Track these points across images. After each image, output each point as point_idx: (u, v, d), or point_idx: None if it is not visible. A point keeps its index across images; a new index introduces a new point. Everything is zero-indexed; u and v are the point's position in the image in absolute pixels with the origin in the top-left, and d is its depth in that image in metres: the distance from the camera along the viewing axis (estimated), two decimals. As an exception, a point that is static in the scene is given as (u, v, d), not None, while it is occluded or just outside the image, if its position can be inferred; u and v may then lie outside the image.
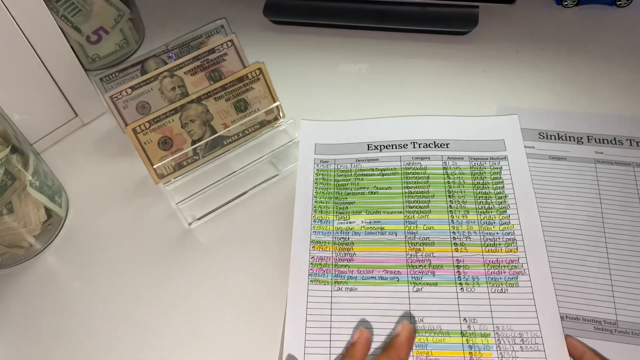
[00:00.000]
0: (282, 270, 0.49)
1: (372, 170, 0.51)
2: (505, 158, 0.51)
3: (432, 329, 0.43)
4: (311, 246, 0.48)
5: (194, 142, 0.54)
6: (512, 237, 0.47)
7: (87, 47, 0.65)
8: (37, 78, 0.55)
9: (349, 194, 0.50)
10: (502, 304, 0.44)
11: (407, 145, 0.52)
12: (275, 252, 0.50)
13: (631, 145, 0.53)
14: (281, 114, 0.56)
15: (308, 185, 0.51)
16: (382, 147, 0.52)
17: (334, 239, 0.48)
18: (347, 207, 0.50)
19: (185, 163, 0.54)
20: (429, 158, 0.51)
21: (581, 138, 0.54)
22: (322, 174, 0.52)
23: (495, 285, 0.45)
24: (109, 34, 0.65)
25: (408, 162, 0.51)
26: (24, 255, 0.53)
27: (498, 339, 0.42)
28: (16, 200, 0.50)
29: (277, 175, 0.55)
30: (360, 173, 0.51)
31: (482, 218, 0.48)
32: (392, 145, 0.52)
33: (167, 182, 0.53)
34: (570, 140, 0.53)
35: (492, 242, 0.47)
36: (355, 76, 0.63)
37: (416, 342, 0.43)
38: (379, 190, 0.50)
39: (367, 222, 0.49)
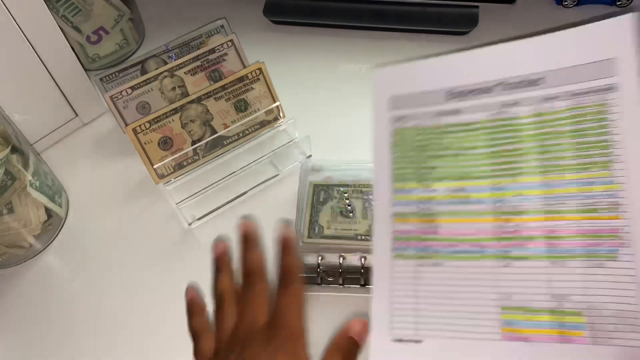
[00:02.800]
0: (282, 270, 0.49)
1: (454, 126, 0.44)
2: (614, 87, 0.40)
3: (520, 306, 0.40)
4: (393, 219, 0.44)
5: (194, 142, 0.54)
6: (616, 199, 0.39)
7: (87, 47, 0.65)
8: (37, 78, 0.55)
9: (429, 157, 0.45)
10: (598, 280, 0.39)
11: (493, 88, 0.44)
12: (275, 252, 0.50)
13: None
14: (281, 114, 0.56)
15: (385, 151, 0.45)
16: (464, 94, 0.44)
17: (416, 210, 0.44)
18: (429, 173, 0.44)
19: (185, 163, 0.54)
20: (519, 103, 0.43)
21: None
22: (401, 135, 0.46)
23: (590, 259, 0.39)
24: (109, 34, 0.65)
25: (494, 111, 0.43)
26: (24, 255, 0.53)
27: (591, 318, 0.38)
28: (16, 200, 0.50)
29: (277, 175, 0.55)
30: (441, 130, 0.45)
31: (581, 177, 0.41)
32: (475, 90, 0.44)
33: (167, 182, 0.53)
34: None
35: (592, 207, 0.40)
36: (355, 76, 0.63)
37: (504, 320, 0.40)
38: (463, 152, 0.44)
39: (451, 190, 0.43)
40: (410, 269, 0.43)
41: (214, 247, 0.41)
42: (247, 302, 0.39)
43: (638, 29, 0.38)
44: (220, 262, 0.40)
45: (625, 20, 0.38)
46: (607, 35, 0.40)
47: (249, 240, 0.41)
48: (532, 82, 0.42)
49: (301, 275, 0.40)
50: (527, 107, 0.42)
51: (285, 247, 0.41)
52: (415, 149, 0.45)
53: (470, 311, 0.41)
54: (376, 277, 0.43)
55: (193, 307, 0.40)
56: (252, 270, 0.40)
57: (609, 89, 0.40)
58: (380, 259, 0.43)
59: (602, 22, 0.40)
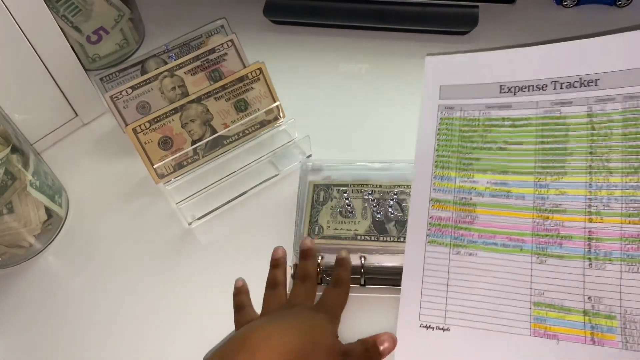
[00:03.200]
0: (282, 270, 0.49)
1: (503, 120, 0.44)
2: None
3: (553, 303, 0.40)
4: (430, 205, 0.44)
5: (194, 142, 0.54)
6: None
7: (87, 47, 0.65)
8: (37, 78, 0.55)
9: (474, 148, 0.45)
10: (635, 285, 0.39)
11: (546, 86, 0.44)
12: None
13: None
14: (281, 114, 0.56)
15: (430, 136, 0.46)
16: (517, 89, 0.44)
17: (454, 199, 0.44)
18: (471, 164, 0.44)
19: (185, 163, 0.54)
20: (572, 103, 0.43)
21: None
22: (447, 123, 0.46)
23: (630, 264, 0.39)
24: (109, 34, 0.65)
25: (546, 109, 0.43)
26: (24, 255, 0.53)
27: (624, 323, 0.38)
28: (16, 200, 0.50)
29: (277, 175, 0.55)
30: (489, 123, 0.45)
31: (628, 181, 0.40)
32: (529, 86, 0.44)
33: (167, 182, 0.53)
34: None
35: (636, 212, 0.40)
36: (355, 76, 0.63)
37: (535, 315, 0.40)
38: (508, 146, 0.44)
39: (493, 183, 0.44)
40: (444, 255, 0.43)
41: (275, 251, 0.49)
42: (303, 288, 0.45)
43: None
44: (278, 261, 0.48)
45: None
46: None
47: (307, 254, 0.47)
48: (586, 83, 0.42)
49: (348, 283, 0.45)
50: (580, 107, 0.42)
51: (340, 263, 0.46)
52: (461, 139, 0.45)
53: (501, 304, 0.41)
54: (408, 260, 0.43)
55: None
56: (307, 274, 0.46)
57: None
58: (414, 242, 0.43)
59: None
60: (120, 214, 0.55)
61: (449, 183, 0.45)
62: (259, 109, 0.55)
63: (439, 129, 0.46)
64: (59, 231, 0.55)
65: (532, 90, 0.44)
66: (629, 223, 0.40)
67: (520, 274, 0.41)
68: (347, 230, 0.48)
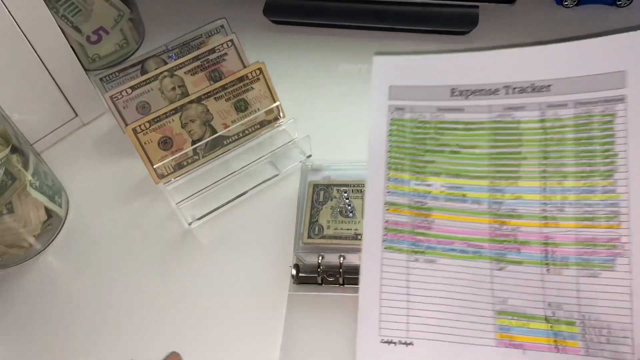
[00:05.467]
0: (282, 269, 0.49)
1: (456, 123, 0.43)
2: (622, 99, 0.40)
3: (515, 311, 0.39)
4: (385, 208, 0.42)
5: (194, 142, 0.54)
6: (616, 208, 0.39)
7: (87, 47, 0.65)
8: (37, 78, 0.55)
9: (427, 150, 0.44)
10: (592, 290, 0.38)
11: (498, 90, 0.43)
12: (275, 252, 0.50)
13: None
14: (281, 114, 0.56)
15: (381, 137, 0.44)
16: (469, 92, 0.44)
17: (410, 202, 0.42)
18: (425, 167, 0.43)
19: (185, 163, 0.54)
20: (524, 107, 0.42)
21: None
22: (398, 124, 0.44)
23: (586, 268, 0.39)
24: (109, 34, 0.65)
25: (498, 113, 0.43)
26: (24, 255, 0.53)
27: (584, 329, 0.38)
28: (16, 200, 0.50)
29: (277, 175, 0.55)
30: (441, 126, 0.44)
31: (582, 185, 0.40)
32: (481, 90, 0.44)
33: (167, 182, 0.53)
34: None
35: (590, 215, 0.39)
36: (355, 76, 0.63)
37: (500, 325, 0.39)
38: (462, 150, 0.43)
39: (447, 187, 0.42)
40: (402, 263, 0.41)
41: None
42: None
43: None
44: None
45: (638, 35, 0.39)
46: (620, 48, 0.40)
47: None
48: (539, 88, 0.42)
49: None
50: (532, 112, 0.42)
51: None
52: (413, 141, 0.44)
53: (465, 313, 0.40)
54: (365, 270, 0.41)
55: None
56: None
57: (617, 100, 0.40)
58: (370, 249, 0.41)
59: (615, 35, 0.40)
60: (120, 214, 0.55)
61: (403, 186, 0.43)
62: (259, 109, 0.55)
63: (390, 130, 0.44)
64: (59, 231, 0.55)
65: (484, 94, 0.43)
66: (584, 227, 0.39)
67: (482, 281, 0.40)
68: (347, 230, 0.48)
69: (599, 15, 0.65)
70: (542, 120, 0.42)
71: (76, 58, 0.57)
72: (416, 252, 0.41)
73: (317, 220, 0.49)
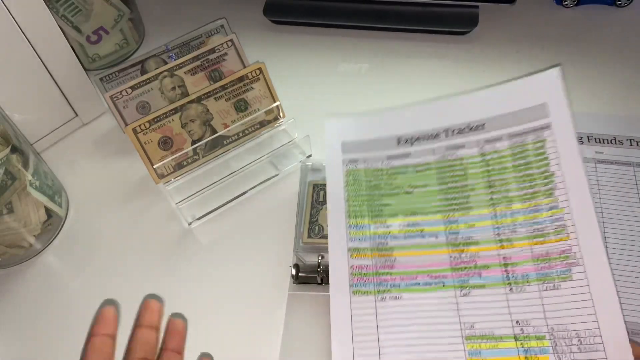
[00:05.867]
0: (282, 269, 0.49)
1: (405, 167, 0.47)
2: (548, 126, 0.44)
3: (484, 334, 0.41)
4: (349, 254, 0.45)
5: (194, 142, 0.54)
6: (562, 222, 0.42)
7: (87, 47, 0.65)
8: (37, 78, 0.55)
9: (383, 195, 0.47)
10: (556, 302, 0.40)
11: (439, 134, 0.47)
12: (275, 252, 0.50)
13: (631, 145, 0.53)
14: (281, 114, 0.56)
15: (339, 189, 0.48)
16: (413, 139, 0.48)
17: (372, 245, 0.45)
18: (382, 210, 0.47)
19: (185, 163, 0.54)
20: (464, 146, 0.47)
21: (581, 138, 0.54)
22: (353, 175, 0.48)
23: (546, 282, 0.41)
24: (109, 34, 0.65)
25: (442, 154, 0.47)
26: (24, 255, 0.53)
27: (554, 341, 0.39)
28: (16, 200, 0.50)
29: (277, 175, 0.55)
30: (393, 171, 0.48)
31: (528, 206, 0.44)
32: (423, 136, 0.48)
33: (167, 182, 0.53)
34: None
35: (540, 232, 0.42)
36: (355, 76, 0.63)
37: (469, 350, 0.40)
38: (414, 189, 0.47)
39: (405, 225, 0.46)
40: (370, 304, 0.43)
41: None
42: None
43: (563, 78, 0.45)
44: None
45: (553, 72, 0.45)
46: (539, 85, 0.46)
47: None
48: (474, 128, 0.47)
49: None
50: (472, 149, 0.47)
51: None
52: (368, 188, 0.48)
53: (435, 344, 0.41)
54: (335, 316, 0.43)
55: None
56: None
57: (543, 127, 0.45)
58: (338, 295, 0.44)
59: (534, 75, 0.46)
60: (120, 214, 0.55)
61: (364, 231, 0.46)
62: (259, 109, 0.55)
63: (346, 181, 0.48)
64: (59, 231, 0.55)
65: (427, 139, 0.48)
66: (536, 244, 0.42)
67: (448, 310, 0.42)
68: (347, 230, 0.48)
69: (598, 15, 0.65)
70: (482, 154, 0.46)
71: (76, 58, 0.57)
72: (382, 292, 0.44)
73: (317, 220, 0.49)
